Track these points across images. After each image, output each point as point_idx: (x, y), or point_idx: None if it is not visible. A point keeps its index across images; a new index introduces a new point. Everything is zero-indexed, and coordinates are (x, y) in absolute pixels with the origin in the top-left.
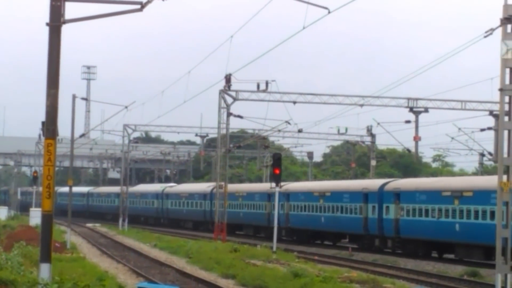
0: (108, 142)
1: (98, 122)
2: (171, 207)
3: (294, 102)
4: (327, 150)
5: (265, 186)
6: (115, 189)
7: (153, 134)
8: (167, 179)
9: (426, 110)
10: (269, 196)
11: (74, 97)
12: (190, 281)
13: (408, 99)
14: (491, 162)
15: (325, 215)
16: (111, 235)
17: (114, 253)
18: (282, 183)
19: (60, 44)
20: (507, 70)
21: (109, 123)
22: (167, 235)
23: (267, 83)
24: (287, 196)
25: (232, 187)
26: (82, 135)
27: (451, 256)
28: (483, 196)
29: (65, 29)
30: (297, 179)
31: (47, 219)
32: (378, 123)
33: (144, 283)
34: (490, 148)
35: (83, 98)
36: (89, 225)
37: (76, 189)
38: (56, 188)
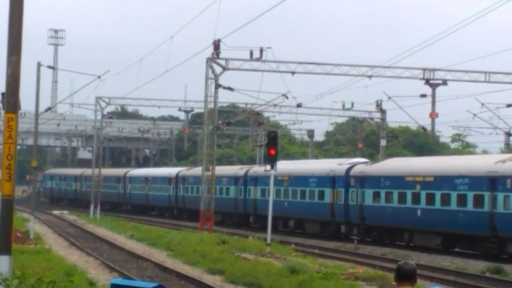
0: (78, 117)
1: (66, 94)
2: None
3: (293, 73)
4: (330, 128)
5: (233, 169)
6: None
7: (130, 109)
8: (146, 160)
9: (444, 82)
10: (236, 179)
11: (39, 65)
12: (172, 277)
13: (424, 69)
14: None
15: (289, 201)
16: (81, 224)
17: (84, 244)
18: (247, 166)
19: (23, 2)
20: None
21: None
22: (145, 224)
23: (261, 51)
24: (255, 180)
25: (197, 170)
26: (48, 109)
27: (471, 251)
28: (444, 181)
29: None
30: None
31: (7, 204)
32: (389, 97)
33: (118, 279)
34: None
35: (49, 67)
36: (56, 212)
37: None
38: None
